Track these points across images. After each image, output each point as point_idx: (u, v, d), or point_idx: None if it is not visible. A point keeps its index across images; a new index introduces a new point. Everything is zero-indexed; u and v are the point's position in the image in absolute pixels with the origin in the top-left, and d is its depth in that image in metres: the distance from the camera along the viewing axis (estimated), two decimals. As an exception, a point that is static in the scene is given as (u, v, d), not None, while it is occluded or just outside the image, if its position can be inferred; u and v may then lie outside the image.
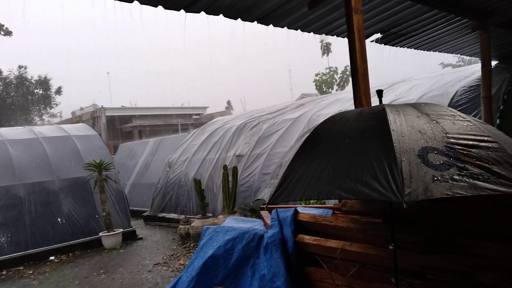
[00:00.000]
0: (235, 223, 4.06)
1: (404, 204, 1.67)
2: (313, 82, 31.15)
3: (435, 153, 1.93)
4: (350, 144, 2.13)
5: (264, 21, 5.44)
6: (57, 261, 8.41)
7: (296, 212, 3.39)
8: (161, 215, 11.67)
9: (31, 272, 7.73)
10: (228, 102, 42.57)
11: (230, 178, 8.82)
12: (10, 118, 27.45)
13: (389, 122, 2.07)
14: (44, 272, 7.62)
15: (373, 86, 4.27)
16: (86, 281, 6.75)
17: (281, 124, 9.98)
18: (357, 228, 3.07)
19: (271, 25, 5.60)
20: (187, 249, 8.29)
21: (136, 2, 4.31)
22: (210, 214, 9.38)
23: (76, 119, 28.73)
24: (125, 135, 28.23)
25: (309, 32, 6.16)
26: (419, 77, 10.32)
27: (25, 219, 8.79)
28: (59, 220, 9.07)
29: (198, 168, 11.21)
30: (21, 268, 8.06)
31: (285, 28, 5.76)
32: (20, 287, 6.85)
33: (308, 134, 2.41)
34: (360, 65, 4.44)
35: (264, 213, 4.04)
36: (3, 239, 8.39)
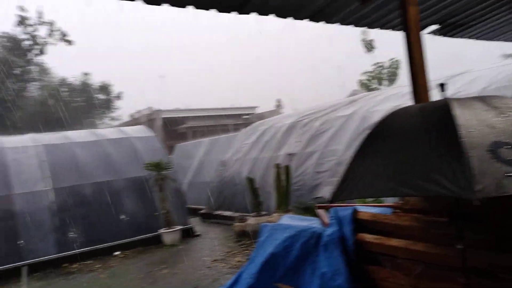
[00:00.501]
0: (292, 221, 4.10)
1: (475, 201, 1.62)
2: (359, 81, 30.27)
3: (507, 148, 1.85)
4: (413, 140, 2.09)
5: (315, 18, 5.41)
6: (121, 256, 8.91)
7: (355, 210, 3.36)
8: (216, 212, 11.96)
9: (99, 266, 8.25)
10: (278, 101, 42.57)
11: (283, 177, 8.87)
12: (75, 121, 29.36)
13: (455, 116, 2.00)
14: (110, 266, 8.11)
15: (430, 79, 4.14)
16: (149, 275, 7.10)
17: (334, 122, 9.86)
18: (420, 226, 2.98)
19: (322, 22, 5.57)
20: (243, 246, 8.44)
21: (189, 7, 4.47)
22: (265, 212, 9.48)
23: (133, 121, 30.18)
24: (180, 136, 29.22)
25: (361, 27, 6.05)
26: (479, 68, 9.75)
27: (92, 216, 9.40)
28: (122, 217, 9.59)
29: (250, 167, 11.37)
30: (90, 262, 8.62)
31: (337, 24, 5.70)
32: (90, 279, 7.34)
33: (369, 131, 2.39)
34: (417, 59, 4.30)
35: (321, 212, 4.03)
36: (75, 235, 9.02)
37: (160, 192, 9.66)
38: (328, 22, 5.56)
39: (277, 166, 9.05)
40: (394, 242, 3.03)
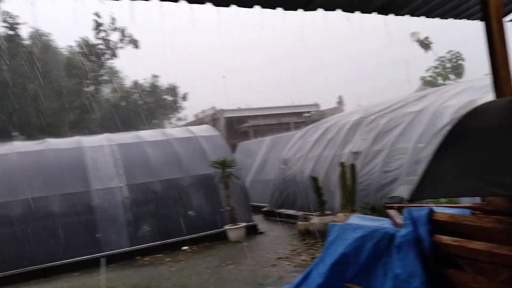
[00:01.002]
0: (362, 221, 3.99)
1: None
2: (422, 78, 28.61)
3: None
4: (502, 137, 1.94)
5: (383, 11, 5.22)
6: (189, 251, 9.26)
7: (431, 211, 3.20)
8: (279, 210, 12.01)
9: (169, 259, 8.65)
10: (339, 98, 41.69)
11: (348, 176, 8.68)
12: (145, 122, 30.99)
13: (552, 110, 1.83)
14: (179, 260, 8.47)
15: None
16: (217, 271, 7.31)
17: (402, 118, 9.46)
18: (505, 229, 2.77)
19: (391, 15, 5.36)
20: (307, 245, 8.40)
21: (256, 7, 4.52)
22: (329, 212, 9.35)
23: (198, 121, 31.24)
24: (242, 134, 29.74)
25: (433, 17, 5.72)
26: None
27: (162, 212, 9.87)
28: (190, 213, 9.96)
29: (313, 165, 11.26)
30: (161, 255, 9.06)
31: (407, 16, 5.45)
32: (162, 272, 7.72)
33: (450, 128, 2.26)
34: (499, 49, 4.00)
35: (393, 212, 3.89)
36: (146, 229, 9.54)
37: (225, 189, 9.91)
38: (397, 14, 5.34)
39: (342, 165, 8.87)
40: (476, 245, 2.84)
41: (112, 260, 8.76)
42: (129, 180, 9.99)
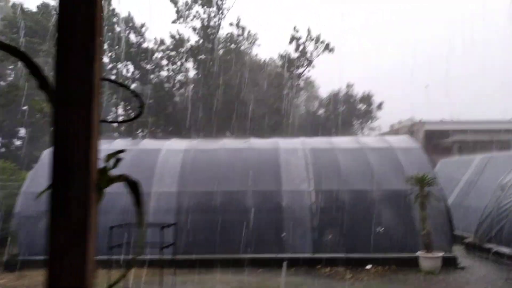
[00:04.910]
0: None
1: None
2: None
3: None
4: None
5: None
6: (373, 271, 8.48)
7: None
8: (488, 246, 9.92)
9: (350, 276, 8.08)
10: None
11: None
12: (337, 131, 31.13)
13: None
14: (361, 280, 7.82)
15: None
16: (404, 302, 6.38)
17: None
18: None
19: None
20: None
21: None
22: None
23: (393, 132, 29.43)
24: (443, 151, 26.53)
25: None
26: None
27: (348, 223, 9.36)
28: (378, 230, 9.15)
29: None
30: (342, 269, 8.56)
31: None
32: (341, 288, 7.24)
33: None
34: None
35: None
36: (331, 238, 9.20)
37: (421, 210, 8.70)
38: None
39: None
40: None
41: (293, 263, 8.74)
42: (318, 186, 9.85)
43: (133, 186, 1.10)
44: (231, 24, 29.29)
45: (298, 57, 29.00)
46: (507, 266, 8.64)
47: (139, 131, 27.97)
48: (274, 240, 9.30)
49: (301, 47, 28.77)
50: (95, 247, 0.83)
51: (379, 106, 33.39)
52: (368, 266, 8.70)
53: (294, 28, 28.46)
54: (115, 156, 1.26)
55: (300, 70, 29.75)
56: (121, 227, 6.91)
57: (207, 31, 27.24)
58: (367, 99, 33.17)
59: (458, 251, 10.25)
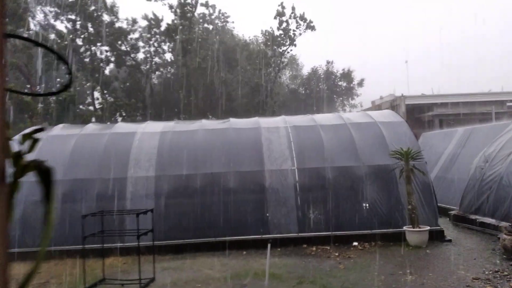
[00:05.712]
0: None
1: None
2: None
3: None
4: None
5: None
6: (360, 248, 8.33)
7: None
8: (473, 217, 9.90)
9: (337, 254, 7.91)
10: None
11: None
12: (318, 109, 30.83)
13: None
14: (348, 257, 7.64)
15: None
16: (392, 279, 6.22)
17: None
18: None
19: None
20: (517, 268, 6.48)
21: None
22: (551, 229, 7.06)
23: (375, 108, 29.31)
24: (425, 124, 26.63)
25: None
26: None
27: (332, 201, 9.14)
28: (363, 206, 8.98)
29: (528, 166, 8.79)
30: (329, 247, 8.40)
31: None
32: (327, 267, 7.04)
33: None
34: None
35: None
36: (315, 217, 9.00)
37: (406, 185, 8.53)
38: None
39: None
40: None
41: (279, 243, 8.52)
42: (301, 164, 9.57)
43: (45, 175, 0.85)
44: (202, 5, 28.43)
45: (281, 35, 28.31)
46: (492, 236, 8.60)
47: (117, 115, 27.18)
48: (258, 221, 9.03)
49: (283, 24, 28.05)
50: (8, 242, 0.73)
51: (360, 83, 33.23)
52: (355, 243, 8.55)
53: (281, 4, 27.63)
54: (32, 136, 0.93)
55: (283, 48, 29.11)
56: (94, 216, 6.51)
57: (184, 9, 26.24)
58: (347, 75, 32.92)
59: (444, 223, 10.22)
